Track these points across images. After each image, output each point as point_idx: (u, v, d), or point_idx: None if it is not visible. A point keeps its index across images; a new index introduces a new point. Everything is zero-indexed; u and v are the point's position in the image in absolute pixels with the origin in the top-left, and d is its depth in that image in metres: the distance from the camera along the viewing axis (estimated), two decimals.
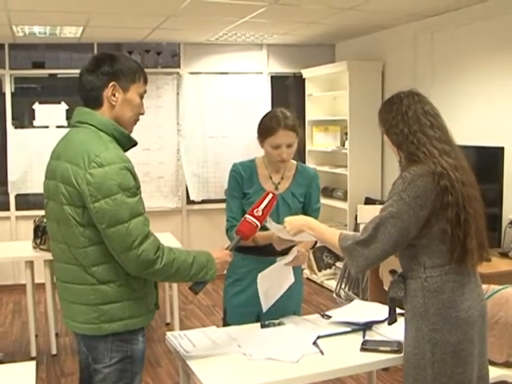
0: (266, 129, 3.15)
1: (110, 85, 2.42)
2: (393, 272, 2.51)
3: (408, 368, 2.54)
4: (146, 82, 2.55)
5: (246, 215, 2.77)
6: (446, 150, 2.50)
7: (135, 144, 2.54)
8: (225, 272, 2.73)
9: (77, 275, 2.38)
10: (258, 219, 2.74)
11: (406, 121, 2.52)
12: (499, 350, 3.24)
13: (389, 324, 2.71)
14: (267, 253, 3.09)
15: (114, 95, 2.43)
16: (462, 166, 2.53)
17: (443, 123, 2.59)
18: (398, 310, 2.75)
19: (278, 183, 3.26)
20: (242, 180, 3.25)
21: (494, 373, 3.11)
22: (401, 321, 2.69)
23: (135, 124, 2.56)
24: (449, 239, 2.43)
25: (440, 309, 2.46)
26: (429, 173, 2.42)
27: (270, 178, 3.26)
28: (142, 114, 2.57)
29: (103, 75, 2.42)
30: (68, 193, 2.32)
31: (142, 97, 2.53)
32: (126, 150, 2.46)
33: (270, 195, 2.83)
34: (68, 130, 2.53)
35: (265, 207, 2.78)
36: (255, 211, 2.75)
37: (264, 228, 2.88)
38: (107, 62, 2.44)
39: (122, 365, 2.43)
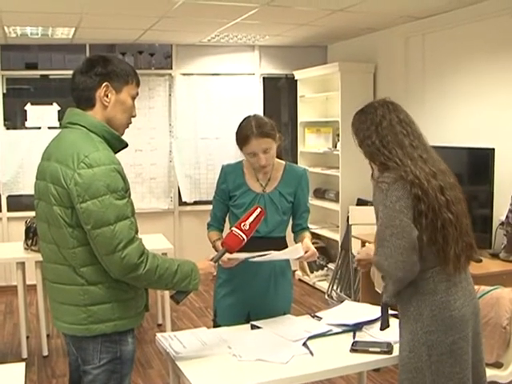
0: (239, 139, 3.15)
1: (103, 85, 2.43)
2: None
3: (404, 373, 2.52)
4: (138, 84, 2.56)
5: (233, 228, 2.77)
6: (422, 157, 2.51)
7: (126, 146, 2.54)
8: (214, 273, 2.73)
9: (66, 276, 2.38)
10: (244, 233, 2.74)
11: (380, 131, 2.54)
12: (489, 351, 3.26)
13: (381, 329, 2.70)
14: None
15: (107, 96, 2.44)
16: (441, 169, 2.54)
17: (418, 130, 2.61)
18: (390, 311, 2.76)
19: (266, 184, 3.25)
20: (229, 182, 3.26)
21: None
22: (391, 321, 2.69)
23: (127, 127, 2.57)
24: (429, 246, 2.44)
25: (433, 310, 2.46)
26: (401, 177, 2.43)
27: (258, 179, 3.26)
28: (134, 116, 2.57)
29: (96, 76, 2.43)
30: (57, 193, 2.32)
31: (134, 99, 2.54)
32: (116, 152, 2.46)
33: (258, 210, 2.84)
34: (59, 131, 2.52)
35: (252, 221, 2.78)
36: (242, 225, 2.75)
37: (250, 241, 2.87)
38: (100, 63, 2.45)
39: (111, 366, 2.43)
